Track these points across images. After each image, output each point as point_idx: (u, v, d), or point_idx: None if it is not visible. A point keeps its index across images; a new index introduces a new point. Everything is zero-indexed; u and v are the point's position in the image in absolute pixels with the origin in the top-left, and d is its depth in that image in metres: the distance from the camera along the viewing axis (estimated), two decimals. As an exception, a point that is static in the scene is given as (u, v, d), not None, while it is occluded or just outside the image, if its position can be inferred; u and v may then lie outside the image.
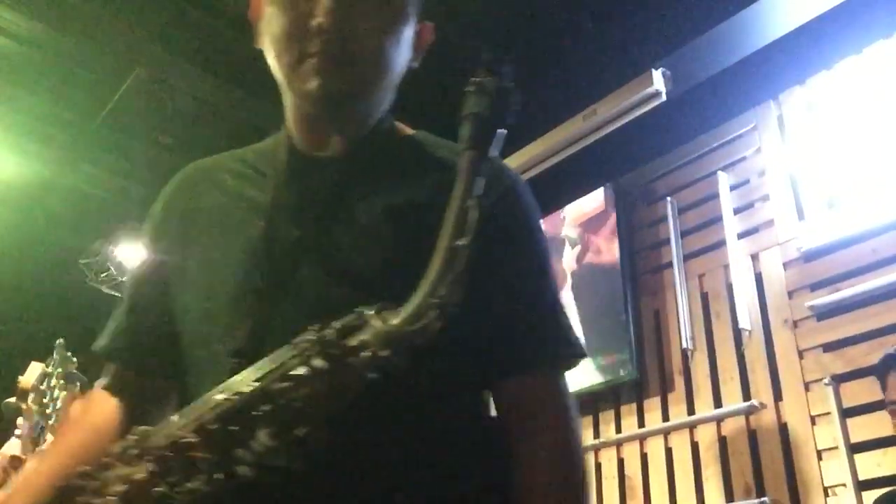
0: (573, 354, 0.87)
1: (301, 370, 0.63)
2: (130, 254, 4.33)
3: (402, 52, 0.88)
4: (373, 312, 0.64)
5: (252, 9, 0.91)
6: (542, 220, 0.94)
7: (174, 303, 0.87)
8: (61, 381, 1.71)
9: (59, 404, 1.69)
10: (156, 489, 0.64)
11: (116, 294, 4.30)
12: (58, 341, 1.76)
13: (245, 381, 0.65)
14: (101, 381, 0.92)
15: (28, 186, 4.25)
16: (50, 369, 1.74)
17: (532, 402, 0.83)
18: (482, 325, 0.80)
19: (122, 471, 0.66)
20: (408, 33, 0.88)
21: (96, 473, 0.68)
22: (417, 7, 0.90)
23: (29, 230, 4.58)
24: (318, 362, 0.62)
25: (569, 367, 0.88)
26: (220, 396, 0.65)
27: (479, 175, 0.66)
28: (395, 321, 0.62)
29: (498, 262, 0.81)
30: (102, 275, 4.27)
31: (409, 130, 0.95)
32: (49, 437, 1.68)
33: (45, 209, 4.46)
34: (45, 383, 1.71)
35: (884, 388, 1.98)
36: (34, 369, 1.75)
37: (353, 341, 0.63)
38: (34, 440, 1.70)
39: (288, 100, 0.90)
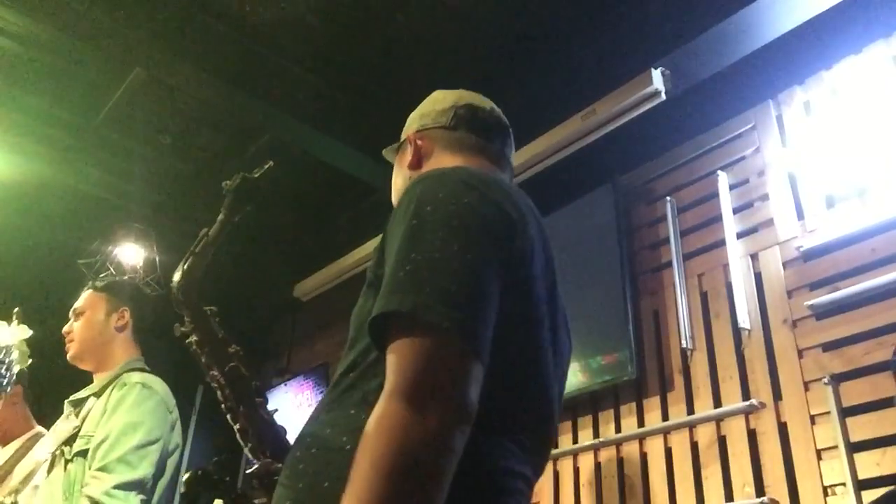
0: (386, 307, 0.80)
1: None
2: (129, 254, 4.32)
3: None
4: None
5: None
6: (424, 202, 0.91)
7: None
8: (22, 350, 1.79)
9: (14, 369, 1.76)
10: None
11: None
12: (16, 310, 1.87)
13: None
14: None
15: (27, 186, 4.25)
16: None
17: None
18: None
19: None
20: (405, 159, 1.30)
21: None
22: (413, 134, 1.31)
23: (28, 230, 4.58)
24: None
25: (394, 324, 0.80)
26: None
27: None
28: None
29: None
30: (101, 275, 4.27)
31: None
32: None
33: (45, 209, 4.46)
34: None
35: None
36: None
37: None
38: None
39: None
